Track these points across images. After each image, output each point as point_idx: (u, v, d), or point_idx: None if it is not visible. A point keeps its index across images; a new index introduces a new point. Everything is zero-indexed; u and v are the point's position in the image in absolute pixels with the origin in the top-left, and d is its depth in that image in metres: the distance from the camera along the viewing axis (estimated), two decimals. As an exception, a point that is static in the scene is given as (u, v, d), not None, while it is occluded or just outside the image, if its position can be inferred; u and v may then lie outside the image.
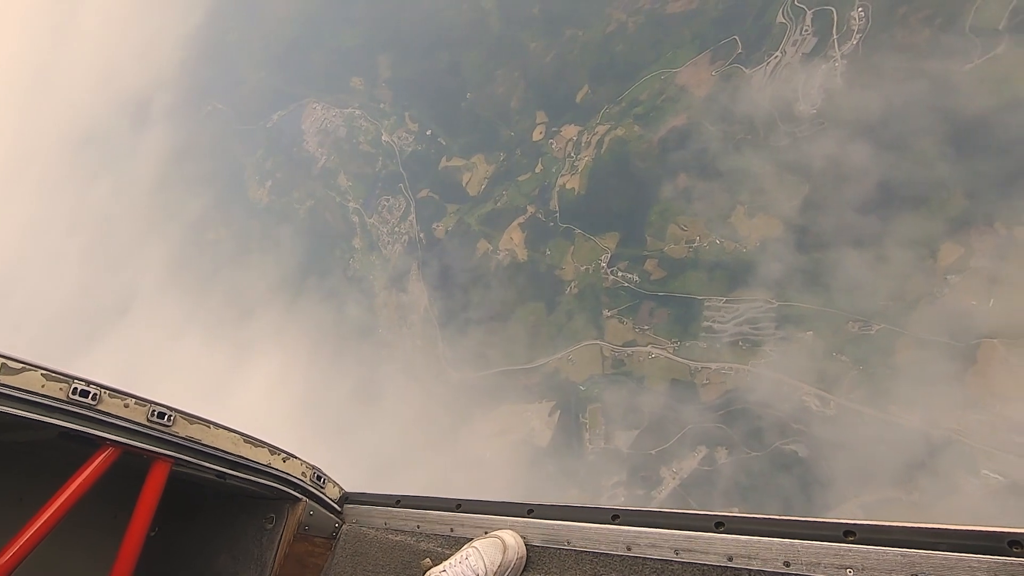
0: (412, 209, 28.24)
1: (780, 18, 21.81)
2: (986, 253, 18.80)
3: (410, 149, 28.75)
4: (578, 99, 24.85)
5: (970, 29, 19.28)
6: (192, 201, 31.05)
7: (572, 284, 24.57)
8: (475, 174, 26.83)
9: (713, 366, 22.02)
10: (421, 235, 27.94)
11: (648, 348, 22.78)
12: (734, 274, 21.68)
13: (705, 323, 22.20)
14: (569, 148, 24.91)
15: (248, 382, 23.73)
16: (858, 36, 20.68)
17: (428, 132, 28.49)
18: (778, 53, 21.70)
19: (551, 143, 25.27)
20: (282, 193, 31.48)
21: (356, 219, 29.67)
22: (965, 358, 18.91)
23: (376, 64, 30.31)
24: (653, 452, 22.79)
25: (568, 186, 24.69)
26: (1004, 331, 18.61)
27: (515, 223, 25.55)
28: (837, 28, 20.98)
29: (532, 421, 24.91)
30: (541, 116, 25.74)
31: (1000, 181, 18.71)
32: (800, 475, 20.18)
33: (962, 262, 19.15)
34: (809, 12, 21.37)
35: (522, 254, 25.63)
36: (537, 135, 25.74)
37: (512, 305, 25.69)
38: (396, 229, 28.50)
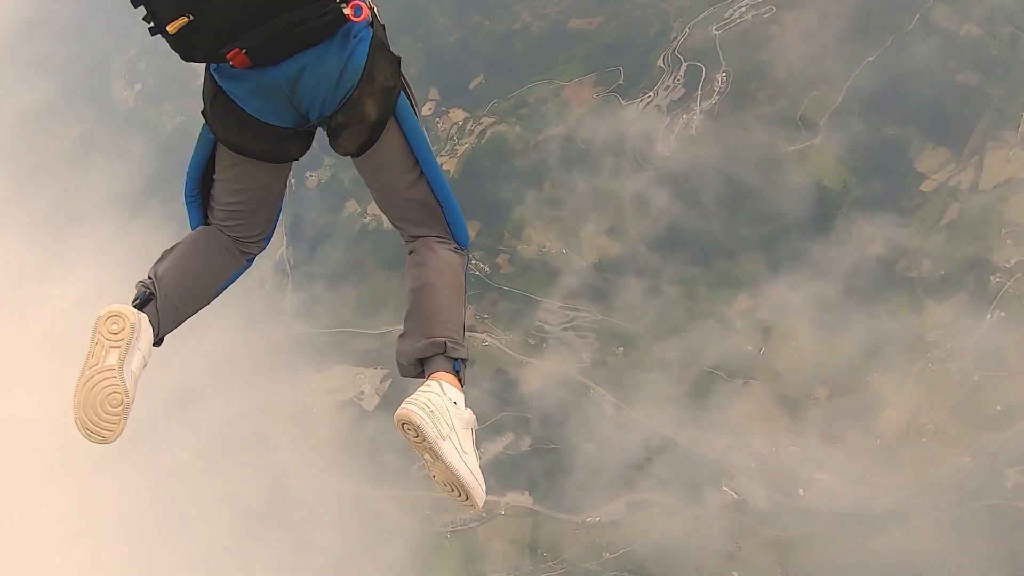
0: (288, 152, 27.33)
1: (660, 62, 23.70)
2: (768, 309, 22.07)
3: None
4: (471, 86, 25.37)
5: (801, 117, 22.27)
6: (35, 86, 27.58)
7: (429, 262, 25.27)
8: (358, 133, 26.48)
9: (536, 363, 23.88)
10: (292, 181, 27.11)
11: (484, 336, 24.13)
12: (571, 284, 23.54)
13: (538, 323, 23.95)
14: (453, 131, 25.41)
15: (57, 296, 21.92)
16: (717, 97, 23.06)
17: (320, 78, 27.55)
18: (651, 93, 23.61)
19: (437, 122, 25.61)
20: (152, 101, 28.95)
21: (227, 149, 28.12)
22: (735, 392, 22.18)
23: None
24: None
25: (444, 168, 25.18)
26: (768, 376, 22.06)
27: (386, 191, 25.67)
28: (703, 85, 23.21)
29: (363, 385, 25.51)
30: (434, 93, 25.94)
31: (794, 249, 21.95)
32: (584, 471, 22.63)
33: (752, 314, 22.32)
34: (684, 64, 23.42)
35: (388, 222, 25.85)
36: (426, 110, 25.93)
37: (368, 270, 25.95)
38: (267, 169, 27.44)
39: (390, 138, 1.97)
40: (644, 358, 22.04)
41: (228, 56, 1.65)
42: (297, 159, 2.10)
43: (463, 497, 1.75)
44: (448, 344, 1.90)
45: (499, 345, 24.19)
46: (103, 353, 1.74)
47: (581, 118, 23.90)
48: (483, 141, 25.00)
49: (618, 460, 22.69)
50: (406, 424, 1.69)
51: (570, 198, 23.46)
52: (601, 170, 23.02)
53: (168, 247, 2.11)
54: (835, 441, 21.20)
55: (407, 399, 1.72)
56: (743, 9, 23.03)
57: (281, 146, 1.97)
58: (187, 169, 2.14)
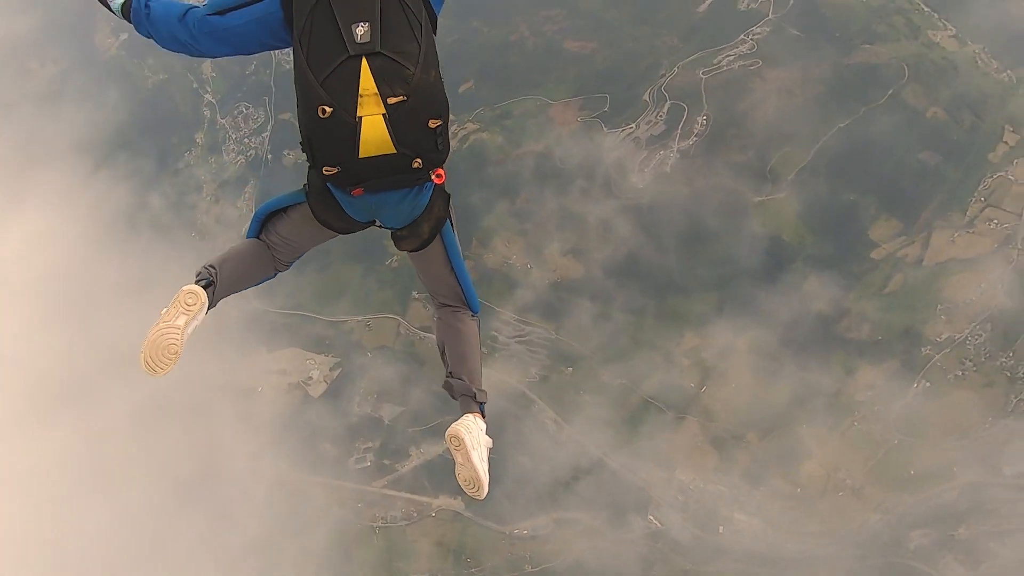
0: (269, 128, 27.06)
1: (646, 97, 24.23)
2: (713, 349, 22.78)
3: (289, 66, 27.42)
4: (460, 90, 25.49)
5: (770, 170, 23.05)
6: (15, 17, 26.67)
7: (395, 258, 25.36)
8: (341, 119, 26.35)
9: (484, 371, 24.12)
10: (269, 156, 26.92)
11: (434, 338, 24.27)
12: (528, 299, 23.90)
13: (492, 332, 24.22)
14: (436, 131, 25.49)
15: (2, 237, 21.25)
16: (695, 139, 23.70)
17: (312, 59, 27.30)
18: (633, 126, 24.13)
19: (422, 120, 25.66)
20: (135, 54, 28.30)
21: (208, 113, 27.70)
22: (669, 424, 22.84)
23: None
24: (410, 430, 24.52)
25: (422, 166, 25.29)
26: (702, 414, 22.76)
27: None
28: (683, 125, 23.82)
29: (313, 371, 25.44)
30: (423, 91, 25.99)
31: (744, 295, 22.69)
32: (516, 483, 22.96)
33: (695, 352, 23.01)
34: (668, 102, 24.00)
35: (359, 212, 25.85)
36: (413, 107, 25.96)
37: (332, 257, 25.85)
38: (246, 141, 27.10)
39: (435, 247, 2.88)
40: (588, 380, 22.55)
41: (353, 191, 2.45)
42: (354, 232, 2.87)
43: (476, 489, 2.61)
44: (477, 393, 2.91)
45: (451, 349, 24.37)
46: (176, 315, 2.40)
47: (562, 138, 24.28)
48: (464, 146, 25.17)
49: (550, 476, 23.11)
50: (454, 437, 2.61)
51: (539, 214, 23.84)
52: (572, 192, 23.46)
53: (229, 247, 2.92)
54: (758, 484, 22.03)
55: (455, 423, 2.69)
56: (731, 58, 23.72)
57: (351, 227, 2.77)
58: (270, 200, 2.95)
